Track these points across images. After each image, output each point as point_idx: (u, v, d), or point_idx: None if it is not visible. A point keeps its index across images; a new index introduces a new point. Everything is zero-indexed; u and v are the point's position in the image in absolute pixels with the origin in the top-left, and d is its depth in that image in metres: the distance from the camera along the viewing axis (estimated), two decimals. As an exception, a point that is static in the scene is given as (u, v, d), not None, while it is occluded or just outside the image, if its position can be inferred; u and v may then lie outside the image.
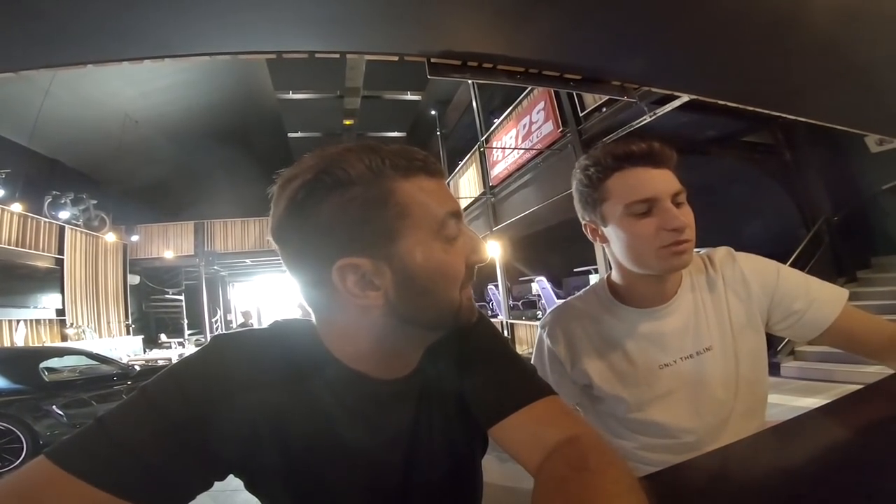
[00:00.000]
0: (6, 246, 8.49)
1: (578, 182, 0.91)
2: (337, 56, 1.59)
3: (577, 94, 5.77)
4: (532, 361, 0.98)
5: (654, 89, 1.88)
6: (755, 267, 0.92)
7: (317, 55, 1.53)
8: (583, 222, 0.95)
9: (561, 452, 0.51)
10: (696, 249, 0.88)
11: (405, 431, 0.60)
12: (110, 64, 1.72)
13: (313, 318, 0.60)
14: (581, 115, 5.79)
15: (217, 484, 0.54)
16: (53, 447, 0.45)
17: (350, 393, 0.57)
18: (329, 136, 12.73)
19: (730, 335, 0.89)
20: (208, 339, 12.90)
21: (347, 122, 12.20)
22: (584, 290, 1.04)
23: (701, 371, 0.88)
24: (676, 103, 4.03)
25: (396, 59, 1.43)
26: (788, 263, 0.96)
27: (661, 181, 0.82)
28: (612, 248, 0.90)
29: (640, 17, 1.28)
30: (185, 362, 0.54)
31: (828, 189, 6.19)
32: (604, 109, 5.32)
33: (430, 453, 0.61)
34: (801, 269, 0.97)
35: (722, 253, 0.96)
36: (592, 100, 5.50)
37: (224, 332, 0.60)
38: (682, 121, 4.42)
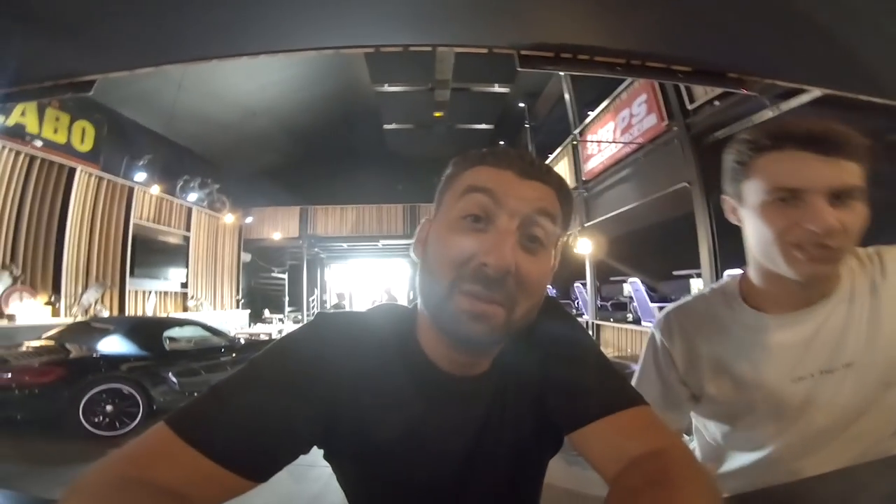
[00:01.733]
0: (147, 223, 9.81)
1: (730, 151, 0.81)
2: (429, 49, 1.59)
3: (685, 86, 5.32)
4: (641, 363, 0.93)
5: (778, 83, 1.66)
6: None
7: (410, 49, 1.55)
8: (723, 196, 0.85)
9: (640, 465, 0.50)
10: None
11: (472, 428, 0.60)
12: (231, 59, 1.89)
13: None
14: (690, 107, 5.34)
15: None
16: (173, 415, 0.48)
17: (425, 383, 0.59)
18: (420, 128, 12.98)
19: (881, 353, 0.74)
20: (304, 316, 13.84)
21: (437, 114, 12.35)
22: (710, 287, 0.92)
23: (830, 389, 0.76)
24: (805, 98, 3.55)
25: (486, 51, 1.40)
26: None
27: (820, 171, 0.69)
28: (746, 233, 0.80)
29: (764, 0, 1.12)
30: (289, 337, 0.57)
31: None
32: (716, 102, 4.85)
33: (495, 452, 0.61)
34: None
35: None
36: (703, 91, 5.03)
37: (328, 311, 0.64)
38: (811, 116, 3.90)
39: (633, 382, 0.91)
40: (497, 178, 0.54)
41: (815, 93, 3.02)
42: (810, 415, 0.77)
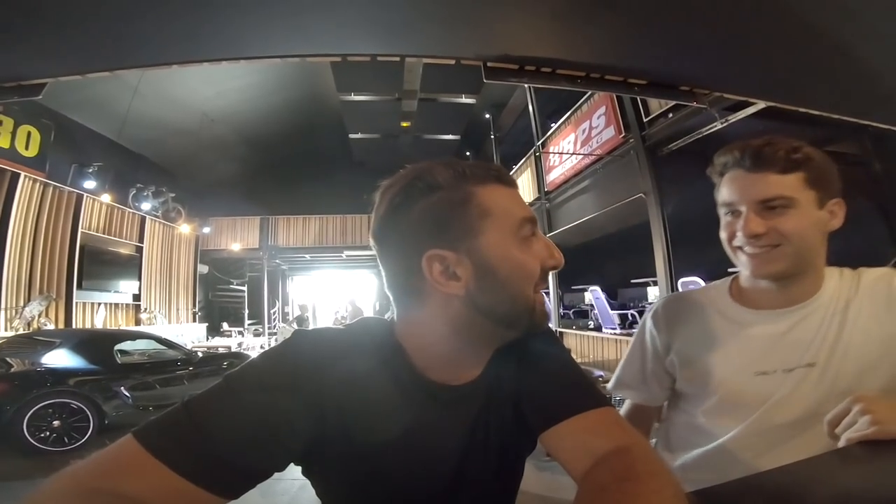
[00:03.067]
0: (96, 233, 9.33)
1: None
2: (397, 59, 1.61)
3: (641, 99, 5.55)
4: (631, 343, 1.02)
5: (726, 95, 1.77)
6: None
7: (378, 58, 1.57)
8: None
9: (608, 462, 0.53)
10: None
11: (462, 435, 0.62)
12: (192, 65, 1.84)
13: (390, 315, 0.65)
14: (645, 120, 5.57)
15: None
16: (141, 428, 0.48)
17: (418, 395, 0.60)
18: (387, 138, 12.91)
19: (839, 357, 0.79)
20: (265, 329, 13.34)
21: (404, 124, 12.35)
22: (710, 284, 1.01)
23: (788, 387, 0.80)
24: (751, 110, 3.78)
25: (453, 62, 1.43)
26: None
27: (748, 185, 0.80)
28: None
29: (713, 19, 1.20)
30: (265, 354, 0.58)
31: (924, 204, 5.57)
32: (670, 115, 5.09)
33: (484, 457, 0.63)
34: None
35: (879, 272, 0.85)
36: (658, 104, 5.27)
37: (305, 328, 0.64)
38: (757, 128, 4.14)
39: (622, 360, 1.03)
40: (520, 200, 0.63)
41: (760, 105, 3.22)
42: (767, 411, 0.81)
